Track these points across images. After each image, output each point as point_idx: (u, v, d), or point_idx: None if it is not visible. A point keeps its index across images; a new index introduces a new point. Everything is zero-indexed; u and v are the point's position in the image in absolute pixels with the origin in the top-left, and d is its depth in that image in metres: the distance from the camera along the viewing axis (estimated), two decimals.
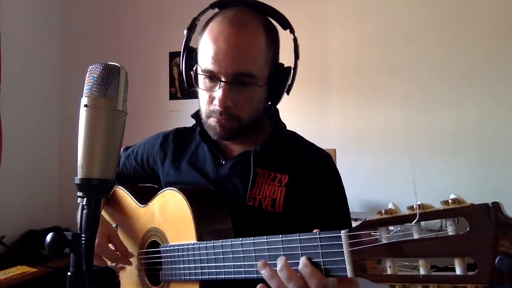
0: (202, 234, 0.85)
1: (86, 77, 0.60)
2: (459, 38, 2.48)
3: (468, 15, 2.47)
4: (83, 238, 0.57)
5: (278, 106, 1.03)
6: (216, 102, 0.85)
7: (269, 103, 0.95)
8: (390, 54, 2.60)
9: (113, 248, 1.00)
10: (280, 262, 0.66)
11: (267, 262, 0.68)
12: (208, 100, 0.88)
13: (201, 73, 0.87)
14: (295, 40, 0.93)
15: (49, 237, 0.57)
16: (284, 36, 0.94)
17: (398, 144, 2.54)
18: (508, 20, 2.39)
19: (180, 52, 0.94)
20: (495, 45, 2.41)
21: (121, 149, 1.20)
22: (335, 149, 2.23)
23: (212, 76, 0.85)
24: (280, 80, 0.91)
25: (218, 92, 0.84)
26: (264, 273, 0.68)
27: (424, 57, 2.53)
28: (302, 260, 0.64)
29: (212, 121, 0.89)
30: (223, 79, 0.83)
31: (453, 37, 2.49)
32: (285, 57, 0.94)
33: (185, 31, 0.94)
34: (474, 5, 2.46)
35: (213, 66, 0.83)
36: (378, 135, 2.60)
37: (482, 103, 2.42)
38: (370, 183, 2.55)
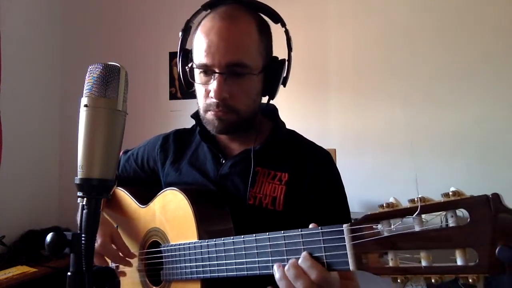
0: (203, 234, 0.85)
1: (86, 77, 0.61)
2: (459, 38, 2.47)
3: (468, 15, 2.47)
4: (83, 238, 0.57)
5: (277, 106, 1.03)
6: (212, 94, 0.86)
7: (266, 97, 0.95)
8: (390, 54, 2.60)
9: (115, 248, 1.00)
10: (289, 262, 0.66)
11: (281, 264, 0.68)
12: (204, 94, 0.89)
13: (196, 68, 0.88)
14: (286, 32, 0.94)
15: (49, 237, 0.57)
16: (281, 33, 0.95)
17: (398, 144, 2.54)
18: (508, 20, 2.39)
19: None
20: (495, 45, 2.41)
21: (121, 152, 1.20)
22: (335, 149, 2.23)
23: (207, 70, 0.86)
24: (275, 71, 0.92)
25: (213, 84, 0.85)
26: (277, 275, 0.67)
27: (424, 57, 2.53)
28: (303, 255, 0.65)
29: (209, 114, 0.89)
30: (217, 71, 0.84)
31: (453, 37, 2.49)
32: (284, 53, 0.94)
33: (180, 33, 0.96)
34: (474, 5, 2.45)
35: (206, 59, 0.85)
36: (378, 135, 2.60)
37: (482, 103, 2.41)
38: (370, 183, 2.55)
